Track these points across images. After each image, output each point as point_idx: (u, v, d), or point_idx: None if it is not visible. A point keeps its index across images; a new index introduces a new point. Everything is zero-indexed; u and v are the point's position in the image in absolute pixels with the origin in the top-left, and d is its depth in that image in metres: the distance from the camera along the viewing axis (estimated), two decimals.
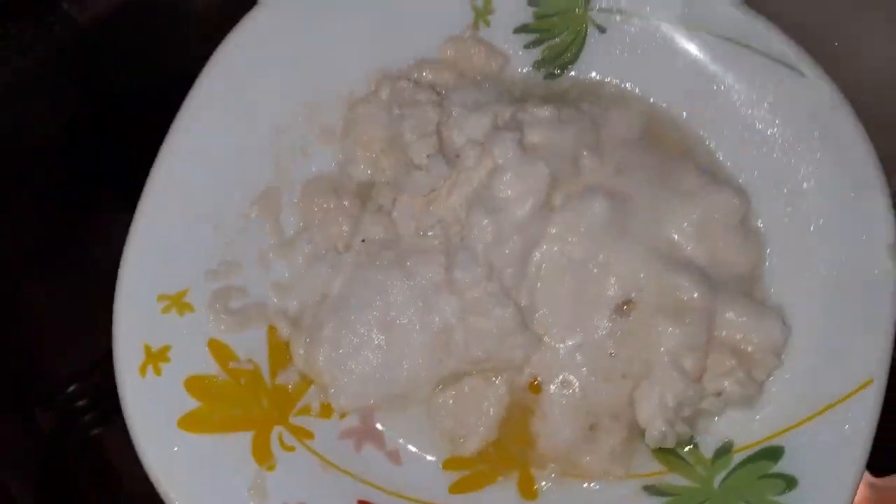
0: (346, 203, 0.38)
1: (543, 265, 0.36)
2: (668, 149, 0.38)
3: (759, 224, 0.37)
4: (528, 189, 0.35)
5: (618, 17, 0.38)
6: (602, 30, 0.38)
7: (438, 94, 0.37)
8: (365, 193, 0.38)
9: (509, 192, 0.35)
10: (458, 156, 0.36)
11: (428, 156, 0.35)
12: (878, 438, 0.50)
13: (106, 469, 0.54)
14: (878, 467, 0.53)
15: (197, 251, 0.35)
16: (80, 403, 0.53)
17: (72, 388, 0.53)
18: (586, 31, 0.38)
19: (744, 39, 0.37)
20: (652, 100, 0.38)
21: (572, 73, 0.39)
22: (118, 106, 0.57)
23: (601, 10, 0.38)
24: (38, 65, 0.60)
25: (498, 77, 0.39)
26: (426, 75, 0.38)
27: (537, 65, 0.39)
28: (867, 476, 0.54)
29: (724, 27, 0.37)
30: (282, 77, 0.36)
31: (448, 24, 0.38)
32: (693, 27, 0.37)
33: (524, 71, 0.39)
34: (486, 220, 0.35)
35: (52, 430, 0.53)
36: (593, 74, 0.39)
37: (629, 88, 0.39)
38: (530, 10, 0.38)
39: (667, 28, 0.37)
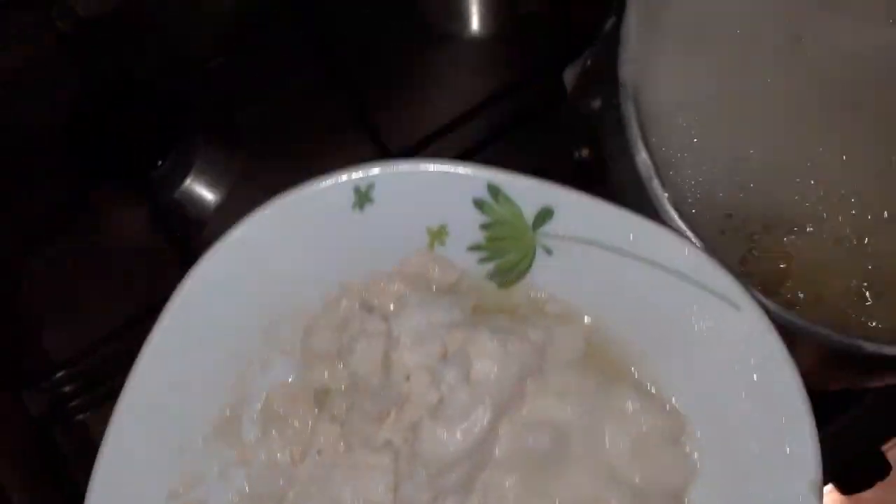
0: (302, 412, 0.40)
1: (487, 490, 0.38)
2: (607, 368, 0.40)
3: (691, 446, 0.39)
4: (473, 422, 0.37)
5: (564, 243, 0.40)
6: (549, 252, 0.40)
7: (387, 320, 0.39)
8: (322, 400, 0.41)
9: (455, 423, 0.37)
10: (408, 378, 0.38)
11: (380, 388, 0.37)
12: (845, 456, 0.53)
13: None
14: (846, 485, 0.55)
15: (160, 475, 0.37)
16: (67, 389, 0.56)
17: (60, 373, 0.55)
18: (534, 252, 0.41)
19: (684, 271, 0.39)
20: (594, 320, 0.41)
21: (523, 285, 0.41)
22: (120, 101, 0.60)
23: (548, 235, 0.40)
24: (37, 57, 0.62)
25: (453, 286, 0.42)
26: (383, 286, 0.41)
27: (489, 276, 0.42)
28: (836, 494, 0.56)
29: (665, 259, 0.39)
30: (243, 305, 0.38)
31: (405, 246, 0.40)
32: (635, 257, 0.39)
33: (478, 281, 0.42)
34: (431, 448, 0.37)
35: (40, 415, 0.55)
36: (541, 292, 0.41)
37: (573, 308, 0.41)
38: (482, 232, 0.41)
39: (610, 255, 0.40)
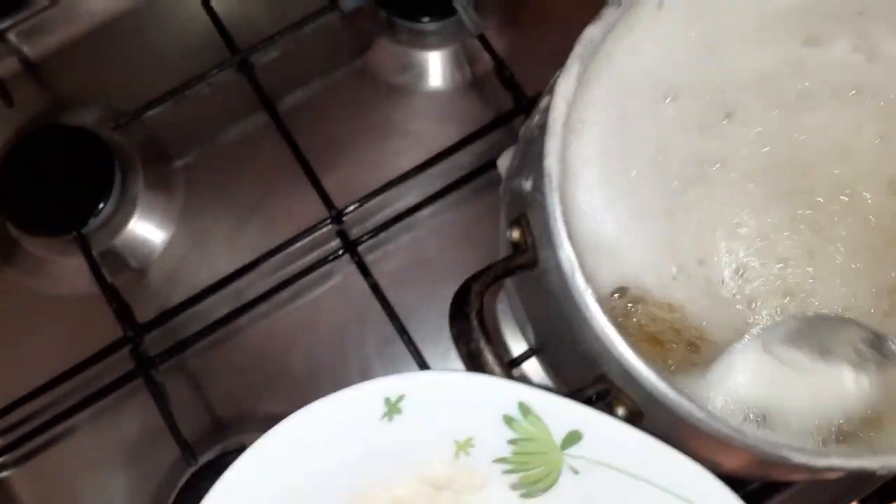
0: None
1: None
2: None
3: None
4: None
5: (591, 465, 0.40)
6: (575, 472, 0.40)
7: None
8: None
9: None
10: None
11: None
12: None
13: None
14: None
15: None
16: None
17: None
18: (561, 470, 0.41)
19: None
20: None
21: (546, 499, 0.41)
22: (57, 146, 0.60)
23: (575, 456, 0.40)
24: None
25: (480, 493, 0.42)
26: (407, 494, 0.41)
27: (513, 486, 0.42)
28: None
29: (689, 492, 0.39)
30: None
31: (430, 453, 0.41)
32: (659, 486, 0.39)
33: (502, 492, 0.42)
34: None
35: None
36: None
37: None
38: (509, 446, 0.41)
39: (635, 482, 0.40)
